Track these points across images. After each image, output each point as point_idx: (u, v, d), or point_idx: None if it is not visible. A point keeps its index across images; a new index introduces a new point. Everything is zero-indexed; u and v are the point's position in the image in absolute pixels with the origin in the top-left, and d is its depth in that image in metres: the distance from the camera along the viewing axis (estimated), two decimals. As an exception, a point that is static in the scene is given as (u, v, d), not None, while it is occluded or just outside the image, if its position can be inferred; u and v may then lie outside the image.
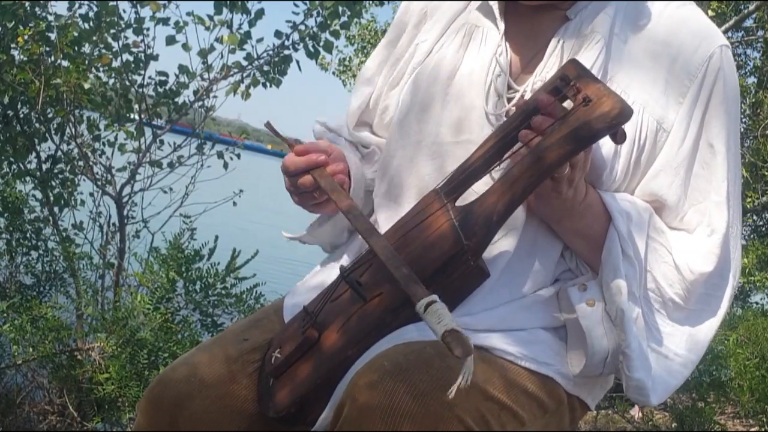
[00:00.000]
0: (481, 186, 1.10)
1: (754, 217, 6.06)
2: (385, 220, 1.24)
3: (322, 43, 3.44)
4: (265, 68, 3.45)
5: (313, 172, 1.21)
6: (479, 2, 1.26)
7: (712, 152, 1.18)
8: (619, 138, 1.00)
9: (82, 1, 3.24)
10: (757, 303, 5.15)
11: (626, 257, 1.12)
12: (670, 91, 1.17)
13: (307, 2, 3.38)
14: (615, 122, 0.97)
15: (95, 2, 3.21)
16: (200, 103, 3.46)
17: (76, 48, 3.21)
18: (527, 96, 1.15)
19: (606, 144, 1.11)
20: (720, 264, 1.18)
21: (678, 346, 1.17)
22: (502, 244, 1.14)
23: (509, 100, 1.17)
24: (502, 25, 1.21)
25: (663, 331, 1.16)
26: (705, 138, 1.18)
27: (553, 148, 0.99)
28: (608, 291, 1.11)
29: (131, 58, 3.31)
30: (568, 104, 1.03)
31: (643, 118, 1.15)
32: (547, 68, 1.16)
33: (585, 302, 1.12)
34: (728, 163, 1.19)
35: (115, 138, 3.45)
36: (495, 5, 1.23)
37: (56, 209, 3.43)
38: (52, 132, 3.38)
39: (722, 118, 1.18)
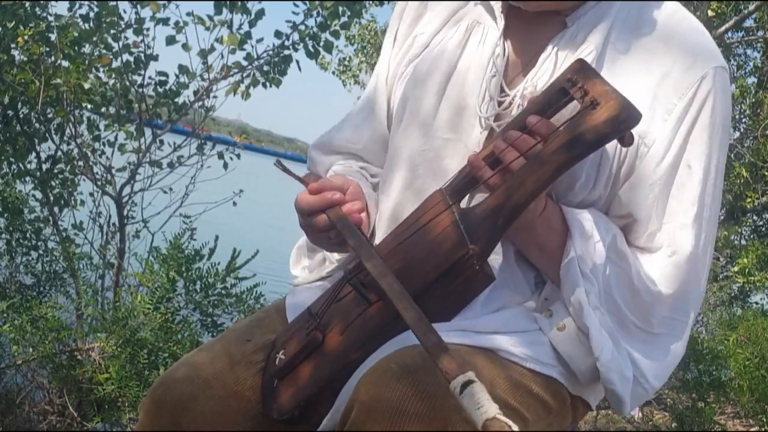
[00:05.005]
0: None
1: (754, 217, 6.07)
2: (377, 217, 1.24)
3: (322, 43, 3.44)
4: (265, 68, 3.45)
5: (329, 212, 1.14)
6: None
7: (689, 173, 1.15)
8: (626, 141, 0.99)
9: (82, 2, 3.24)
10: (757, 303, 5.15)
11: (584, 276, 1.10)
12: (657, 106, 1.14)
13: (307, 2, 3.38)
14: (623, 126, 0.96)
15: (95, 2, 3.21)
16: (200, 103, 3.46)
17: (76, 48, 3.21)
18: (516, 100, 1.15)
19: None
20: (682, 287, 1.14)
21: (646, 373, 1.14)
22: (500, 247, 1.14)
23: (500, 103, 1.17)
24: (501, 24, 1.20)
25: (630, 355, 1.14)
26: (685, 158, 1.15)
27: (560, 152, 0.99)
28: (572, 308, 1.10)
29: (131, 59, 3.31)
30: (574, 105, 1.03)
31: None
32: (539, 75, 1.15)
33: (555, 328, 1.12)
34: (704, 186, 1.15)
35: (115, 138, 3.45)
36: (496, 5, 1.22)
37: (56, 209, 3.43)
38: (52, 132, 3.38)
39: (705, 140, 1.14)
